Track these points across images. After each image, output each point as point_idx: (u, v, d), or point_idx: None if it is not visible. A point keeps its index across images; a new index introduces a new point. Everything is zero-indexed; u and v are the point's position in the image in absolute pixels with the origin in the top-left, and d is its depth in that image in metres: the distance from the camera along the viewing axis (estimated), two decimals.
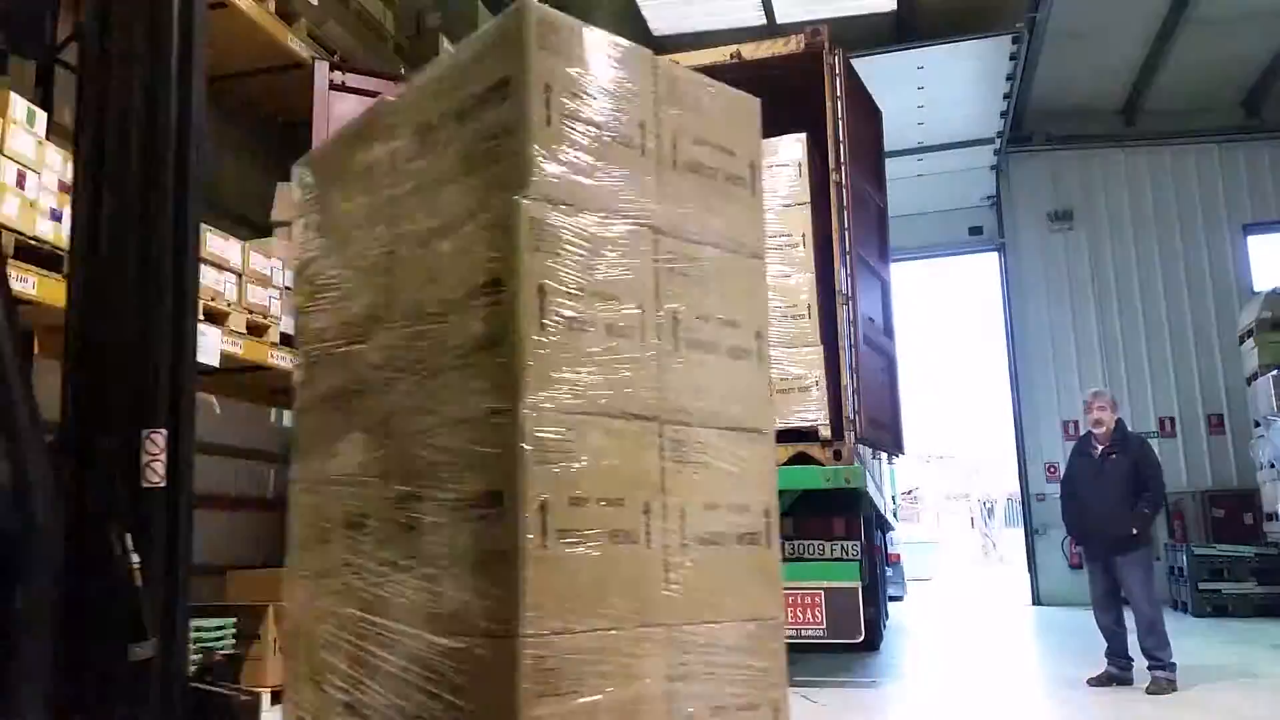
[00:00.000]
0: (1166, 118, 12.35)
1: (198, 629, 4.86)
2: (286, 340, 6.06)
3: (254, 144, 7.35)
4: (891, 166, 8.05)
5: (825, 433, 5.97)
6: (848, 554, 5.98)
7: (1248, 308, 10.86)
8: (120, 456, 2.00)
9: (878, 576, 8.02)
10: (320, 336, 2.72)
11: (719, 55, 6.61)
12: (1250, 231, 12.28)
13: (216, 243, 5.46)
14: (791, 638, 5.84)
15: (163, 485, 2.02)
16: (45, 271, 4.25)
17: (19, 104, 4.19)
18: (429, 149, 2.28)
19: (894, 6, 10.35)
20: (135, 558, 1.93)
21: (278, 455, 7.48)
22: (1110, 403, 6.13)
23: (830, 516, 6.10)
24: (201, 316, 5.25)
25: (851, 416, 5.96)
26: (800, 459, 5.96)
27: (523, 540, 1.84)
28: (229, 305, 5.50)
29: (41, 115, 4.34)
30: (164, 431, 2.03)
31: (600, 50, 2.14)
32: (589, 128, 2.08)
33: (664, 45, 10.34)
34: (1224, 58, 11.23)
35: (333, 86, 6.45)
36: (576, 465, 1.94)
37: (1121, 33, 10.75)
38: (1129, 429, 6.23)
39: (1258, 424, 10.39)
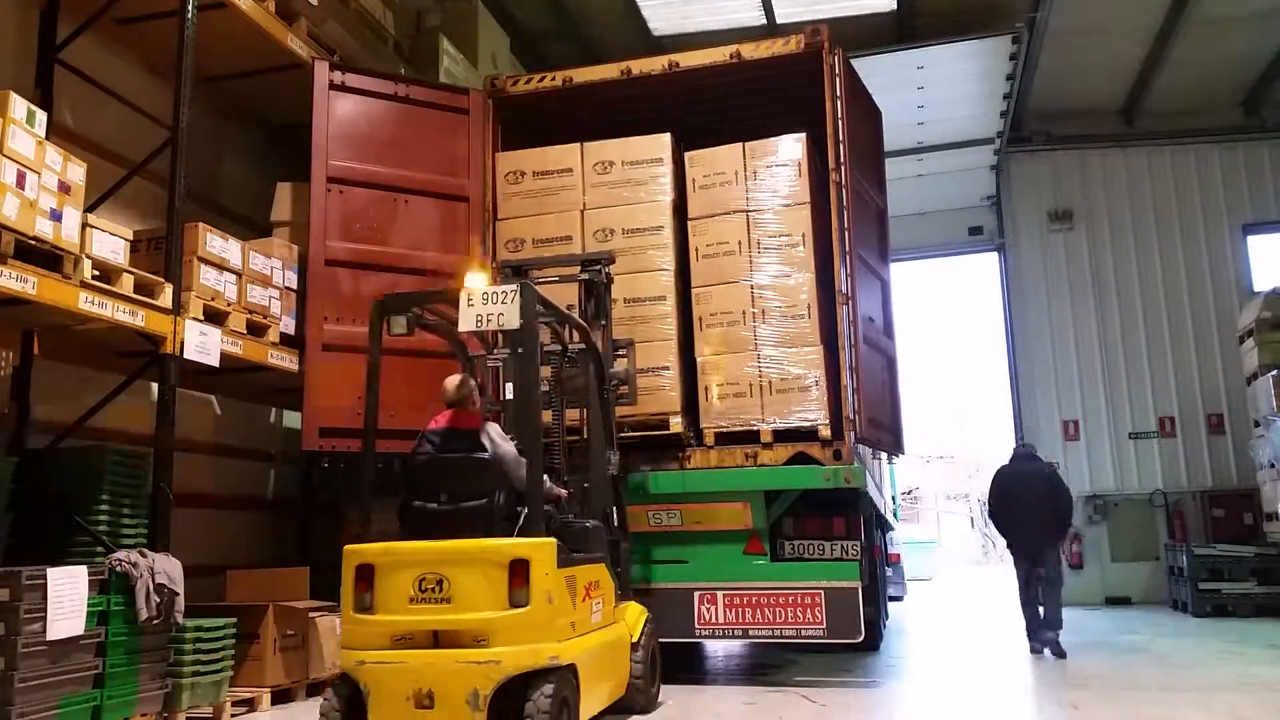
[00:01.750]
0: (1166, 118, 12.34)
1: (195, 628, 4.85)
2: (286, 340, 6.04)
3: (254, 144, 7.35)
4: (891, 166, 8.04)
5: (825, 433, 5.97)
6: (848, 554, 5.98)
7: (1248, 308, 10.85)
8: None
9: (878, 576, 8.01)
10: None
11: (719, 55, 6.62)
12: (1250, 231, 12.27)
13: (216, 243, 5.44)
14: (791, 637, 5.87)
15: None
16: (45, 271, 4.24)
17: (19, 104, 4.19)
18: None
19: (894, 6, 10.33)
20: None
21: (277, 455, 7.47)
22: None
23: (830, 516, 6.10)
24: (201, 316, 5.24)
25: (851, 416, 5.96)
26: (800, 459, 5.97)
27: None
28: (229, 305, 5.47)
29: (41, 115, 4.33)
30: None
31: None
32: None
33: (664, 45, 10.34)
34: (1224, 58, 11.22)
35: (333, 86, 6.45)
36: None
37: (1121, 32, 10.74)
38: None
39: (1258, 424, 10.38)
